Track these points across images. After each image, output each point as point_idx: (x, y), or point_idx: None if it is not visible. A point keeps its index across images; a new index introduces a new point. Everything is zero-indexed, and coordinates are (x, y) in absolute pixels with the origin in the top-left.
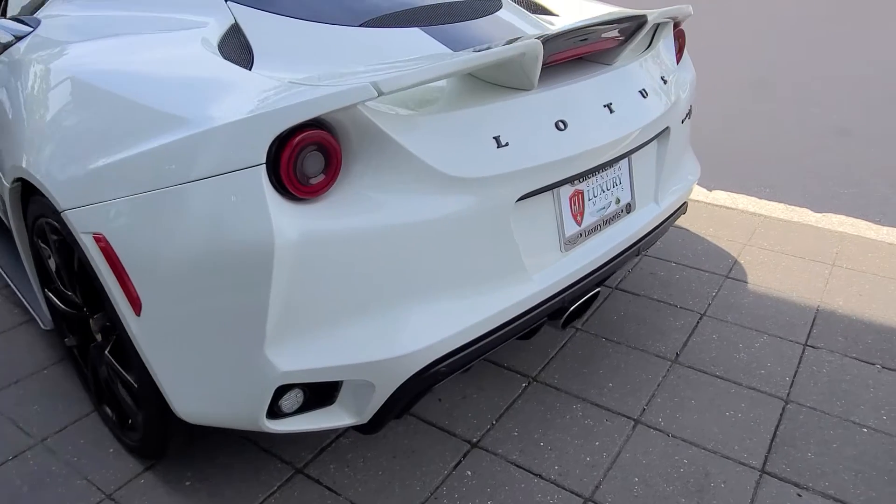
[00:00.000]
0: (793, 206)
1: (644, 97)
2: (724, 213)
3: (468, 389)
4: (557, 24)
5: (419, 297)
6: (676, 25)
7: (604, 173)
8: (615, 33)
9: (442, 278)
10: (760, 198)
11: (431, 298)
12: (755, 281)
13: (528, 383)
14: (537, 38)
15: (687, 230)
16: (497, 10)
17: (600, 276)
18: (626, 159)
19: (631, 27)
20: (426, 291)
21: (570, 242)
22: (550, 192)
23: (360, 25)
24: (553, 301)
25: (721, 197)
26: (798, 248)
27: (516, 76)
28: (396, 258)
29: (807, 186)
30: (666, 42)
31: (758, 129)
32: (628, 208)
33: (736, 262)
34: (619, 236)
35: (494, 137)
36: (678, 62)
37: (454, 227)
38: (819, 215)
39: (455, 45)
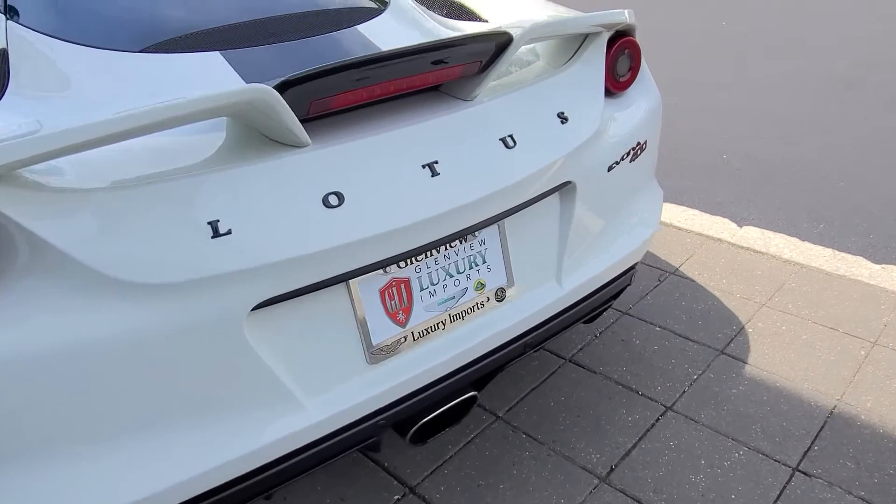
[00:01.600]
0: (843, 253)
1: (509, 146)
2: (749, 258)
3: (327, 495)
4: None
5: (110, 438)
6: (621, 38)
7: (447, 252)
8: (473, 58)
9: (152, 414)
10: (803, 238)
11: (133, 440)
12: (758, 361)
13: (403, 495)
14: (285, 79)
15: (692, 281)
16: (366, 20)
17: (460, 382)
18: (495, 228)
19: (486, 50)
20: (125, 430)
21: (385, 351)
22: (333, 287)
23: (140, 51)
24: (362, 427)
25: (751, 236)
26: (834, 314)
27: (276, 130)
28: (64, 393)
29: (875, 224)
30: (589, 63)
31: (824, 140)
32: (500, 295)
33: (742, 330)
34: (484, 332)
35: (210, 223)
36: (627, 86)
37: (150, 350)
38: (877, 267)
39: (255, 74)
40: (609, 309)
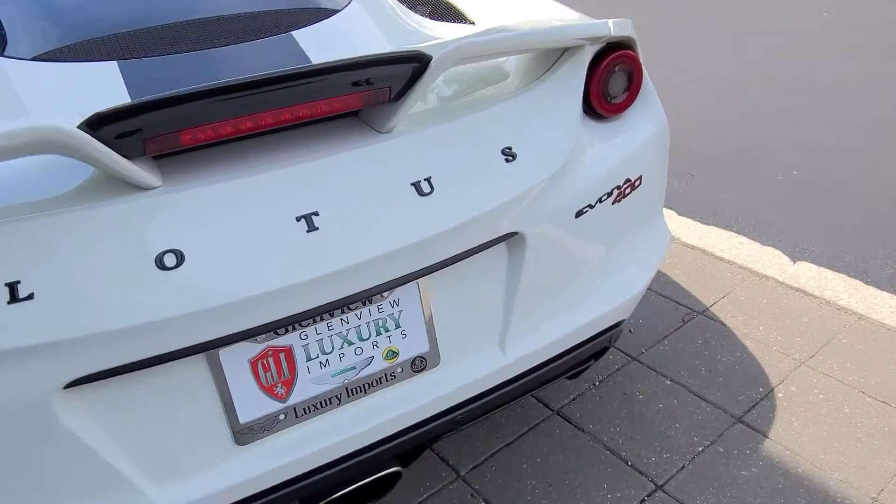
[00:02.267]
0: None
1: (423, 192)
2: (797, 301)
3: None
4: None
5: None
6: (614, 51)
7: (345, 316)
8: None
9: None
10: (869, 282)
11: None
12: (782, 436)
13: None
14: (98, 114)
15: (722, 325)
16: (307, 25)
17: (369, 463)
18: (413, 288)
19: (398, 75)
20: None
21: (258, 430)
22: (186, 360)
23: (32, 59)
24: None
25: (805, 274)
26: (891, 383)
27: (108, 169)
28: None
29: None
30: (563, 83)
31: None
32: (419, 365)
33: (770, 394)
34: (397, 408)
35: (8, 285)
36: (623, 108)
37: None
38: None
39: (147, 88)
40: (612, 353)
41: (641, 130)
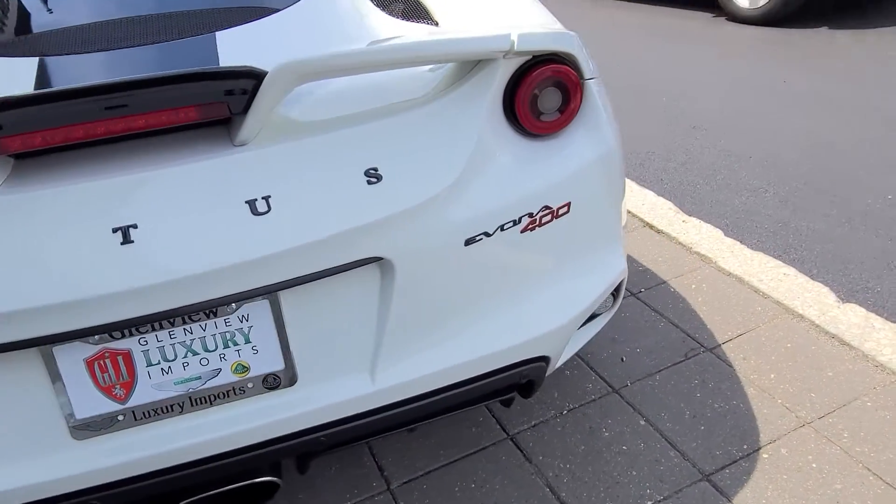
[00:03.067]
0: None
1: (258, 211)
2: (828, 349)
3: None
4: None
5: None
6: (548, 64)
7: (189, 326)
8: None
9: None
10: None
11: None
12: (747, 503)
13: None
14: None
15: (729, 366)
16: (238, 24)
17: (220, 472)
18: (265, 304)
19: (231, 89)
20: None
21: (95, 428)
22: (17, 353)
23: None
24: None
25: (849, 319)
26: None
27: None
28: None
29: None
30: (467, 98)
31: None
32: (271, 382)
33: (755, 453)
34: (246, 422)
35: None
36: (558, 127)
37: None
38: None
39: (49, 83)
40: (593, 381)
41: (575, 154)
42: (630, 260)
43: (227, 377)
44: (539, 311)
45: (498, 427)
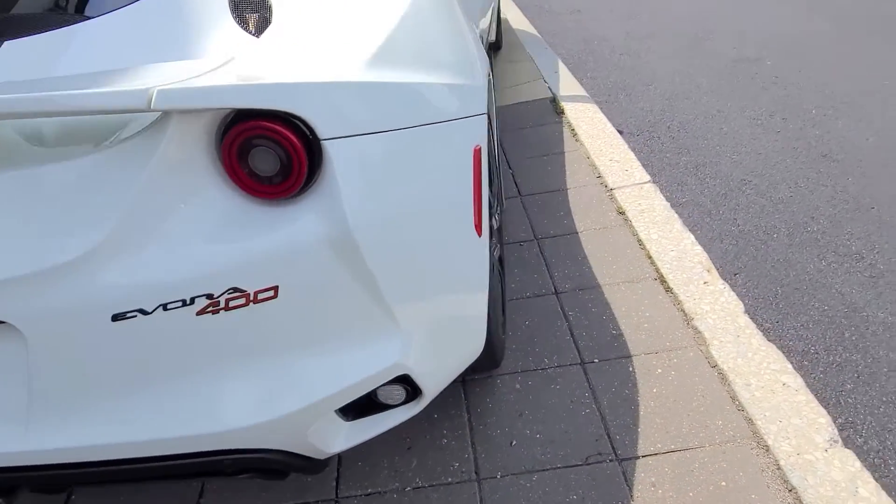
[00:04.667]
0: None
1: None
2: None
3: None
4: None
5: None
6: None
7: None
8: None
9: None
10: None
11: None
12: None
13: None
14: None
15: (624, 488)
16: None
17: None
18: None
19: None
20: None
21: None
22: None
23: None
24: None
25: (826, 470)
26: None
27: None
28: None
29: None
30: (130, 154)
31: None
32: None
33: None
34: None
35: None
36: (287, 192)
37: None
38: None
39: None
40: (465, 460)
41: (291, 231)
42: (608, 321)
43: None
44: (244, 401)
45: (333, 484)
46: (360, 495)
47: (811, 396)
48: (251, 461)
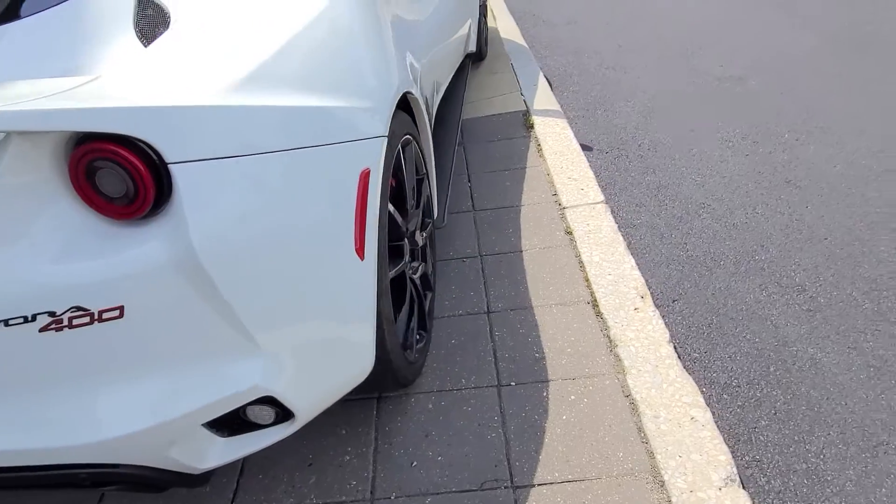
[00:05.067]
0: None
1: None
2: None
3: None
4: None
5: None
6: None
7: None
8: None
9: None
10: None
11: None
12: None
13: None
14: None
15: None
16: None
17: None
18: None
19: None
20: None
21: None
22: None
23: None
24: None
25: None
26: None
27: None
28: None
29: None
30: None
31: None
32: None
33: None
34: None
35: None
36: (135, 213)
37: None
38: None
39: None
40: (362, 479)
41: (138, 253)
42: (533, 343)
43: None
44: (87, 418)
45: (230, 496)
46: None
47: (716, 432)
48: (108, 476)
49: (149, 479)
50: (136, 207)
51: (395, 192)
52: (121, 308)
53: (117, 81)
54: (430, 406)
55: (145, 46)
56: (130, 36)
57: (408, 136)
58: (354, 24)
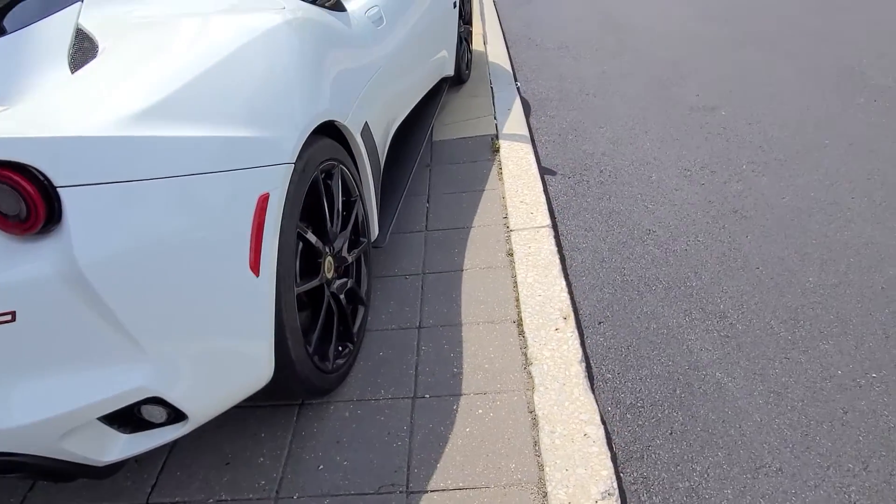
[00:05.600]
0: None
1: None
2: None
3: None
4: None
5: None
6: None
7: None
8: None
9: None
10: None
11: None
12: None
13: None
14: None
15: None
16: None
17: None
18: None
19: None
20: None
21: None
22: None
23: None
24: None
25: None
26: None
27: None
28: None
29: None
30: None
31: None
32: None
33: None
34: None
35: None
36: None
37: None
38: None
39: None
40: (271, 479)
41: (29, 265)
42: (455, 358)
43: None
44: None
45: (148, 490)
46: (168, 503)
47: (605, 448)
48: (8, 463)
49: (48, 469)
50: (29, 224)
51: (315, 214)
52: (13, 313)
53: (29, 110)
54: (347, 414)
55: (72, 73)
56: (63, 64)
57: (331, 162)
58: (273, 60)
